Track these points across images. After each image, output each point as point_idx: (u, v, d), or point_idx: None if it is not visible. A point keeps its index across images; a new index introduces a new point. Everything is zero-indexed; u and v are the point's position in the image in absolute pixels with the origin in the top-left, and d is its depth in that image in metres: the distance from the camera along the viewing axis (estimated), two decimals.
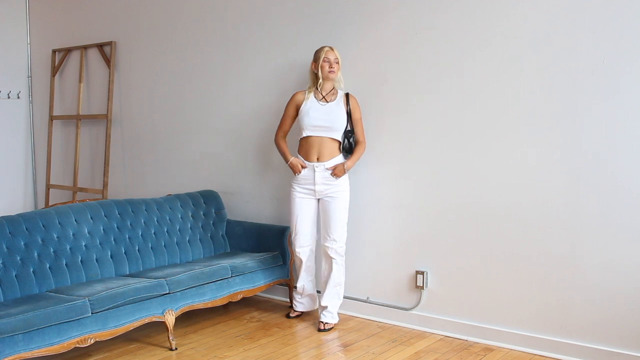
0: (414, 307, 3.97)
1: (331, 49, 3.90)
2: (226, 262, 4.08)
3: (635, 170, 3.18)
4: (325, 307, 3.97)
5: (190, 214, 4.49)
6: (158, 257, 4.17)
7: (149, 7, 5.27)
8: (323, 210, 3.94)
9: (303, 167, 3.92)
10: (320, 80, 3.91)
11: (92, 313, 3.30)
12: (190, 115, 5.07)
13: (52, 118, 6.02)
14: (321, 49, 3.90)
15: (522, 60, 3.48)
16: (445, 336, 3.81)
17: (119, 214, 4.11)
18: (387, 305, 4.09)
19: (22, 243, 3.58)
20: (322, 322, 3.96)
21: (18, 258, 3.53)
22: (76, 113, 5.83)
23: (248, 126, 4.71)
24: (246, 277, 4.10)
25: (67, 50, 5.91)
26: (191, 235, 4.41)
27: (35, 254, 3.61)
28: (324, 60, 3.87)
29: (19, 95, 6.22)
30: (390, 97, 3.98)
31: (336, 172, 3.86)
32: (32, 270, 3.55)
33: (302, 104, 3.96)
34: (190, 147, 5.09)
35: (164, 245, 4.23)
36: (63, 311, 3.18)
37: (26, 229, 3.64)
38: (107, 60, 5.56)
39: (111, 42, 5.52)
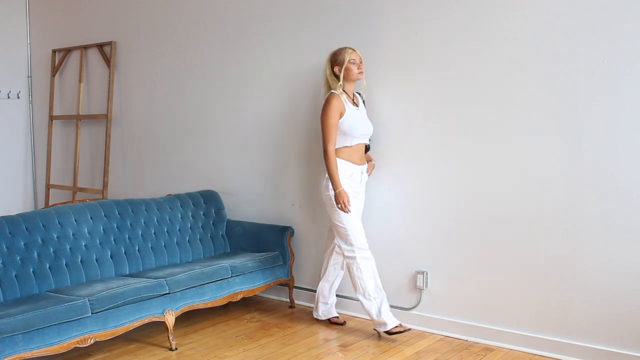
0: (414, 307, 3.97)
1: (353, 50, 3.74)
2: (226, 262, 4.08)
3: (636, 171, 3.18)
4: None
5: (190, 214, 4.49)
6: (158, 257, 4.17)
7: (149, 7, 5.27)
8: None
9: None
10: (341, 82, 3.72)
11: (92, 313, 3.30)
12: (190, 115, 5.07)
13: (52, 118, 6.02)
14: (343, 50, 3.73)
15: (522, 61, 3.47)
16: (445, 336, 3.81)
17: (119, 214, 4.11)
18: None
19: (22, 243, 3.58)
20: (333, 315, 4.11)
21: (18, 258, 3.53)
22: (76, 113, 5.83)
23: (248, 126, 4.71)
24: (246, 277, 4.10)
25: (67, 50, 5.91)
26: (191, 235, 4.41)
27: (35, 254, 3.61)
28: (350, 62, 3.69)
29: (19, 95, 6.22)
30: (391, 98, 3.97)
31: (370, 171, 3.97)
32: (32, 270, 3.55)
33: (344, 110, 3.70)
34: (190, 147, 5.09)
35: (164, 245, 4.23)
36: (63, 311, 3.18)
37: (26, 229, 3.64)
38: (107, 60, 5.56)
39: (111, 42, 5.52)
